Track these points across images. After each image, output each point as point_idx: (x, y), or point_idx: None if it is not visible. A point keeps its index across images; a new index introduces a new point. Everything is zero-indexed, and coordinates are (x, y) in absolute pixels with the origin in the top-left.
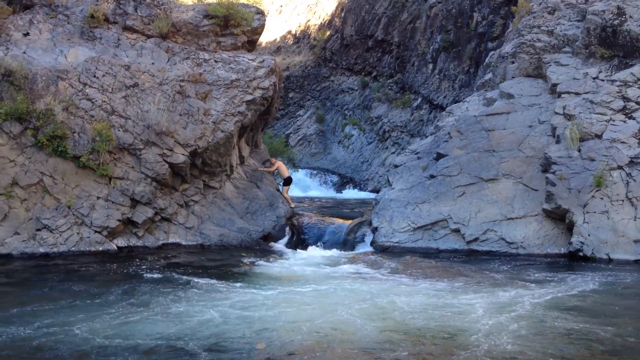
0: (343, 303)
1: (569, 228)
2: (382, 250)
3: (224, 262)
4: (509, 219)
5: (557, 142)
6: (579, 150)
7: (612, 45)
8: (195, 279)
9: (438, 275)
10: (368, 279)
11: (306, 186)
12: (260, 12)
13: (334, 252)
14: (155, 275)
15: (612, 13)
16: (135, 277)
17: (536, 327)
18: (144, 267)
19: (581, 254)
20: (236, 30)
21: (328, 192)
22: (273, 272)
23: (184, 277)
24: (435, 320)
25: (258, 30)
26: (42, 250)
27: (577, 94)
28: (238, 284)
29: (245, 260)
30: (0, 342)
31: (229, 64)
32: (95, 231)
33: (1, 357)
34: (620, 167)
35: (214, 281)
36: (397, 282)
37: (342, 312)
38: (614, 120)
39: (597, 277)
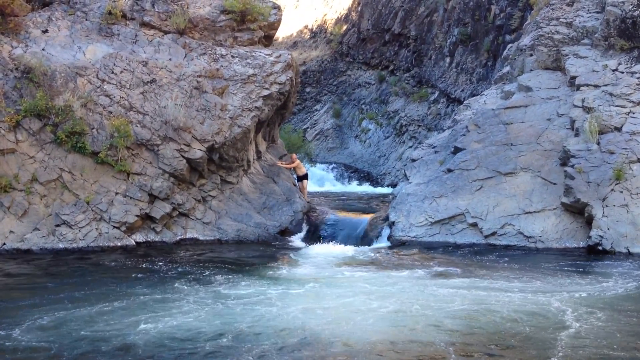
0: (390, 302)
1: (588, 222)
2: (399, 245)
3: (243, 257)
4: (527, 212)
5: (576, 135)
6: (598, 143)
7: (631, 36)
8: (216, 275)
9: (477, 271)
10: (399, 277)
11: (323, 180)
12: (277, 7)
13: (352, 247)
14: (175, 271)
15: (631, 4)
16: (154, 272)
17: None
18: (162, 262)
19: (600, 248)
20: (253, 25)
21: (345, 187)
22: (294, 268)
23: (206, 272)
24: (504, 320)
25: (275, 25)
26: (61, 245)
27: (596, 86)
28: (260, 280)
29: (264, 256)
30: (20, 337)
31: (246, 59)
32: (114, 226)
33: (23, 351)
34: None
35: (234, 277)
36: (437, 278)
37: (392, 313)
38: (633, 113)
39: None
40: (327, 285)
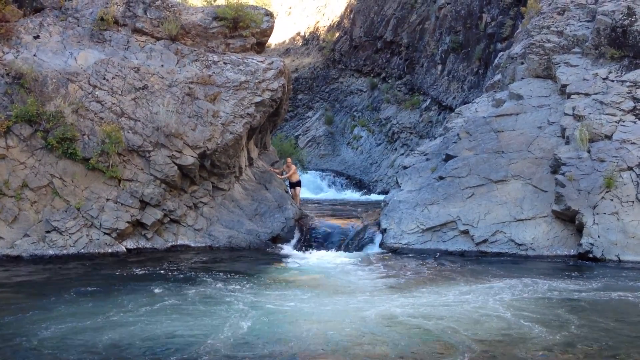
0: (377, 310)
1: (579, 229)
2: (390, 251)
3: (233, 264)
4: (518, 220)
5: (567, 143)
6: (589, 151)
7: (622, 45)
8: (204, 283)
9: (485, 277)
10: (391, 284)
11: (316, 188)
12: (269, 14)
13: (343, 254)
14: (164, 278)
15: (622, 13)
16: (145, 279)
17: None
18: (152, 269)
19: (591, 255)
20: (245, 32)
21: (337, 194)
22: (284, 276)
23: (195, 280)
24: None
25: (267, 32)
26: (51, 252)
27: (586, 94)
28: (248, 288)
29: (254, 263)
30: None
31: (238, 65)
32: (105, 233)
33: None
34: (630, 168)
35: (220, 285)
36: (430, 286)
37: (383, 319)
38: (623, 121)
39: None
40: (316, 294)
